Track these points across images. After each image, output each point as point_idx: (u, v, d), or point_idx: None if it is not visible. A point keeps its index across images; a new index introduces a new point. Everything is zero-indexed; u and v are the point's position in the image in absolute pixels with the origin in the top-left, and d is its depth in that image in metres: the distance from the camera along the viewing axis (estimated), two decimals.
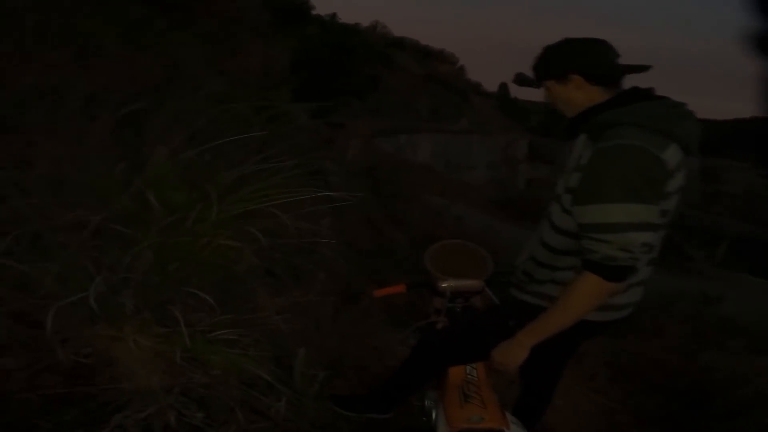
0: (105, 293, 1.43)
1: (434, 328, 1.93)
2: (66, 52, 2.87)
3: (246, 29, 8.58)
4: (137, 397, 1.42)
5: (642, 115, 1.20)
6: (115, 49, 3.70)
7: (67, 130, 2.08)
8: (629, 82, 1.34)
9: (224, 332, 1.66)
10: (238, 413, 1.51)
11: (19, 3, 2.96)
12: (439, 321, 1.93)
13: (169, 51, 5.00)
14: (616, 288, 1.24)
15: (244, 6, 8.41)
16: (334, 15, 18.77)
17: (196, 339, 1.63)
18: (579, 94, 1.33)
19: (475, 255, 2.04)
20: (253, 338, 1.73)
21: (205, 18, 6.83)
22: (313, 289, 2.20)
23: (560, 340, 1.38)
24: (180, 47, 5.26)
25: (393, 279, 1.94)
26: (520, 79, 1.45)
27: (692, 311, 5.05)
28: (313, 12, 15.27)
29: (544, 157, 19.88)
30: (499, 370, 1.48)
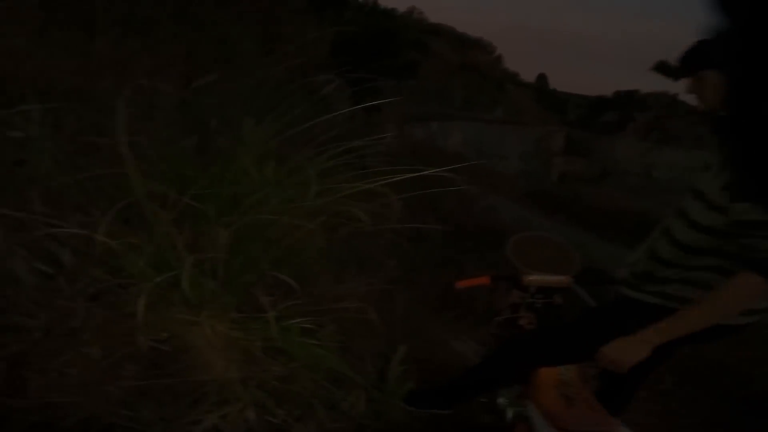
0: (187, 275, 1.32)
1: (518, 324, 1.81)
2: (129, 30, 2.82)
3: (287, 11, 8.47)
4: (214, 389, 1.31)
5: None
6: (172, 28, 3.64)
7: (134, 104, 2.00)
8: None
9: (302, 321, 1.54)
10: (319, 410, 1.38)
11: None
12: (522, 317, 1.80)
13: (219, 29, 4.91)
14: None
15: None
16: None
17: (272, 327, 1.51)
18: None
19: (561, 250, 1.93)
20: (329, 329, 1.60)
21: None
22: (385, 276, 2.06)
23: (674, 345, 1.33)
24: (229, 26, 5.18)
25: (476, 273, 1.81)
26: (683, 63, 1.35)
27: None
28: None
29: (582, 152, 19.17)
30: (607, 368, 1.40)
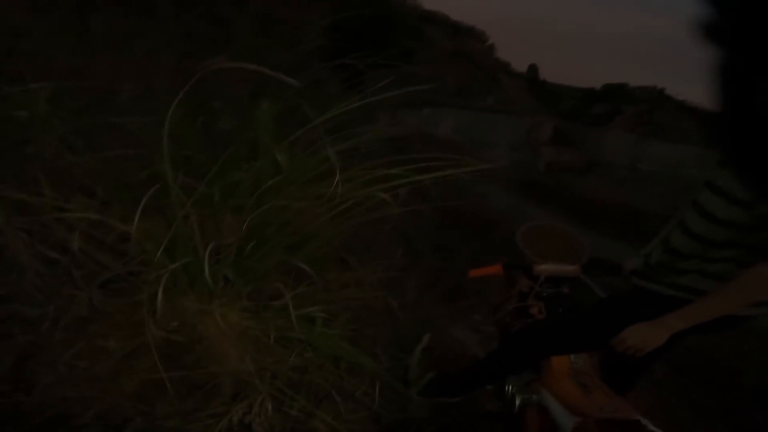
0: (197, 261, 1.24)
1: (528, 313, 1.78)
2: (128, 10, 2.68)
3: None
4: (228, 380, 1.25)
5: None
6: (169, 9, 3.50)
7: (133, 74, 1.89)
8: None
9: (316, 309, 1.48)
10: (337, 400, 1.33)
11: None
12: (533, 306, 1.78)
13: (216, 10, 4.75)
14: None
15: None
16: None
17: (285, 316, 1.45)
18: None
19: (569, 240, 1.89)
20: (343, 317, 1.54)
21: None
22: (393, 264, 2.00)
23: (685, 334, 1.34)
24: (227, 7, 5.01)
25: (489, 262, 1.76)
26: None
27: None
28: None
29: (570, 142, 19.24)
30: (627, 352, 1.40)
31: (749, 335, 3.98)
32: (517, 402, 1.71)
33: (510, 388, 1.79)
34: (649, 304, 1.39)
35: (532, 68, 29.29)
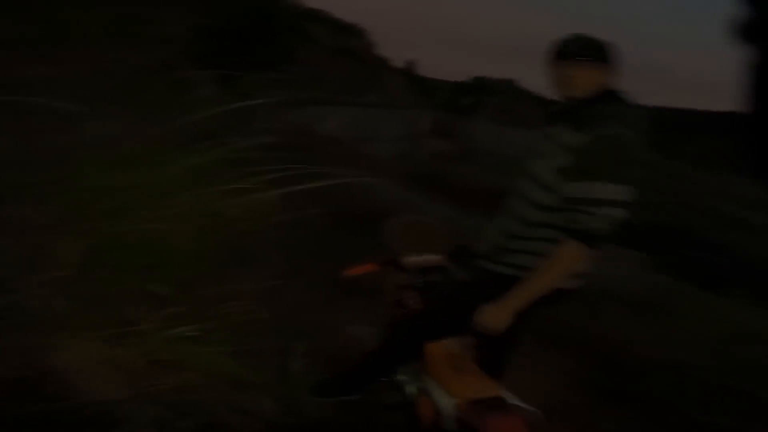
0: (33, 295, 1.17)
1: (407, 305, 1.86)
2: None
3: None
4: (100, 410, 1.20)
5: (630, 114, 1.39)
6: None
7: None
8: None
9: (186, 329, 1.47)
10: (226, 416, 1.34)
11: None
12: (409, 298, 1.86)
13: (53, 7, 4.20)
14: (593, 256, 1.35)
15: None
16: None
17: (153, 338, 1.42)
18: (599, 83, 1.42)
19: (433, 230, 2.00)
20: (218, 333, 1.55)
21: None
22: (271, 272, 2.02)
23: (532, 313, 1.46)
24: (80, 13, 4.48)
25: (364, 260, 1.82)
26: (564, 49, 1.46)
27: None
28: None
29: (447, 133, 20.64)
30: (483, 334, 1.48)
31: (606, 307, 4.56)
32: (409, 390, 1.78)
33: (400, 378, 1.86)
34: (496, 285, 1.47)
35: (410, 64, 30.50)
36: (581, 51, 1.44)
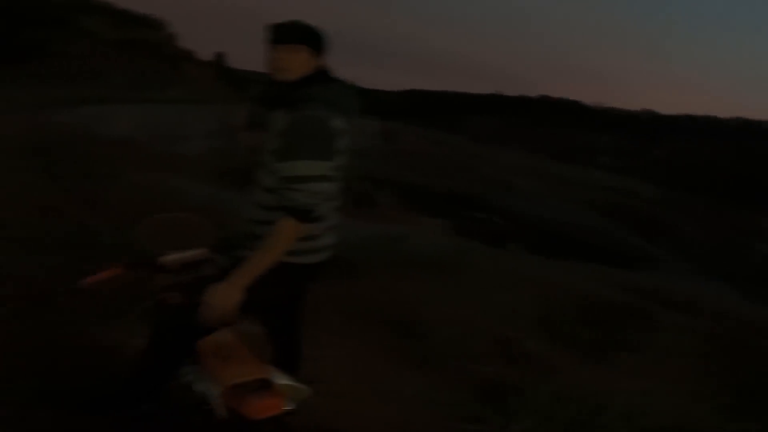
0: None
1: (168, 305, 1.72)
2: None
3: None
4: None
5: (325, 93, 1.49)
6: None
7: None
8: None
9: None
10: None
11: None
12: (170, 297, 1.72)
13: None
14: (309, 229, 1.46)
15: None
16: None
17: None
18: (310, 66, 1.51)
19: (193, 224, 1.93)
20: None
21: None
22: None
23: (283, 291, 1.56)
24: None
25: (104, 265, 1.64)
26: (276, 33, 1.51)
27: (385, 249, 5.80)
28: None
29: (261, 125, 20.21)
30: (217, 315, 1.46)
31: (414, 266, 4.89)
32: (197, 388, 1.67)
33: (186, 377, 1.73)
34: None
35: (219, 56, 28.90)
36: (290, 35, 1.51)
